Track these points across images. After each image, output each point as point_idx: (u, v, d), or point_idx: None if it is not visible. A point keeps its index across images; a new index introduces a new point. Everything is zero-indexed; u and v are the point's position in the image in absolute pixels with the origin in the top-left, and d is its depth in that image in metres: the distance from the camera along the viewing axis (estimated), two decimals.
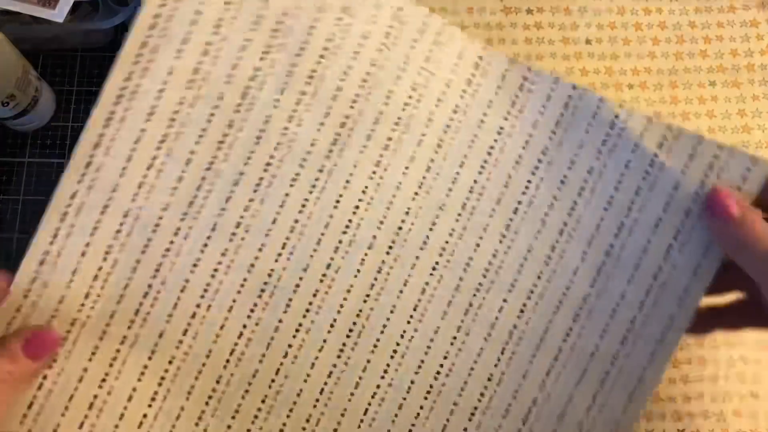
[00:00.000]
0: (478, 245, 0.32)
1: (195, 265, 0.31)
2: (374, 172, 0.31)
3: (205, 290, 0.31)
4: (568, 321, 0.32)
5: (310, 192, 0.31)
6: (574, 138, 0.31)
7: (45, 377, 0.29)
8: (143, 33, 0.30)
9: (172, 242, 0.30)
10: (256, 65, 0.30)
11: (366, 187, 0.31)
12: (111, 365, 0.30)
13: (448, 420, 0.32)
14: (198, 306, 0.31)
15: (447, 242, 0.32)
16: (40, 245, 0.30)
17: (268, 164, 0.30)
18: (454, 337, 0.32)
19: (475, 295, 0.32)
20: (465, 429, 0.32)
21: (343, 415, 0.31)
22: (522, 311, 0.32)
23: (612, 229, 0.32)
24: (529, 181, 0.32)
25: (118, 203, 0.30)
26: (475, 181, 0.32)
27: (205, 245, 0.31)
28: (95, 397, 0.29)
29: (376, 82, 0.31)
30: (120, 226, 0.30)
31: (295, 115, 0.30)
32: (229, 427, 0.31)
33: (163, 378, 0.30)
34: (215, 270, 0.31)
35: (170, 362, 0.30)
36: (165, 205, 0.30)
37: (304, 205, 0.31)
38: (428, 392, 0.32)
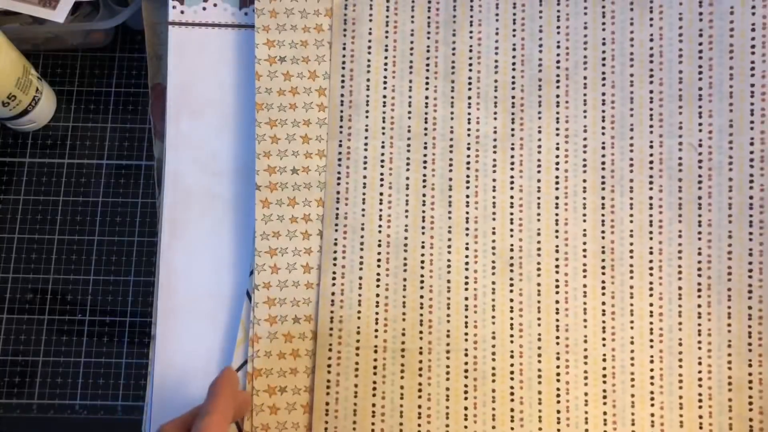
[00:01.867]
0: (680, 143, 0.35)
1: (449, 266, 0.36)
2: (557, 129, 0.36)
3: (466, 283, 0.35)
4: None
5: (512, 169, 0.36)
6: (722, 8, 0.35)
7: (374, 406, 0.34)
8: (337, 109, 0.37)
9: (423, 255, 0.36)
10: (425, 95, 0.37)
11: (557, 144, 0.36)
12: (420, 374, 0.34)
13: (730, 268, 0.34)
14: (467, 299, 0.35)
15: (651, 155, 0.35)
16: (326, 288, 0.36)
17: (468, 163, 0.36)
18: (699, 232, 0.35)
19: (700, 187, 0.35)
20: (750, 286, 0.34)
21: (631, 327, 0.34)
22: (751, 180, 0.34)
23: None
24: (700, 66, 0.35)
25: (370, 238, 0.36)
26: (651, 92, 0.35)
27: (449, 247, 0.36)
28: (419, 408, 0.34)
29: (524, 59, 0.36)
30: (378, 255, 0.36)
31: (471, 117, 0.36)
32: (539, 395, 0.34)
33: (466, 371, 0.35)
34: (466, 264, 0.36)
35: (465, 354, 0.35)
36: (405, 227, 0.36)
37: (512, 182, 0.36)
38: (699, 290, 0.34)
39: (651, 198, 0.35)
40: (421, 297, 0.35)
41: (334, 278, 0.36)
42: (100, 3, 0.47)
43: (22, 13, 0.45)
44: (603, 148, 0.35)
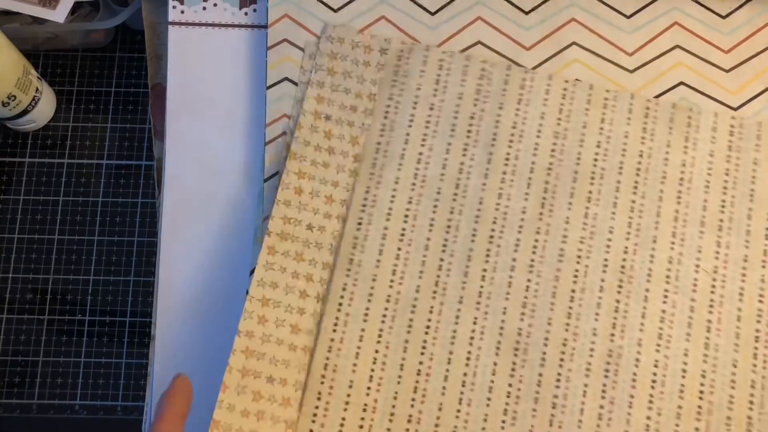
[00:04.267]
0: (697, 266, 0.36)
1: (453, 338, 0.35)
2: (585, 223, 0.36)
3: (468, 358, 0.34)
4: None
5: (534, 252, 0.35)
6: (747, 158, 0.37)
7: None
8: (372, 156, 0.36)
9: (429, 320, 0.35)
10: (461, 161, 0.36)
11: (582, 237, 0.36)
12: None
13: None
14: (465, 375, 0.34)
15: (669, 269, 0.35)
16: (326, 333, 0.34)
17: (491, 237, 0.36)
18: (705, 355, 0.35)
19: (711, 311, 0.35)
20: None
21: None
22: (759, 315, 0.35)
23: None
24: (723, 201, 0.36)
25: (380, 291, 0.35)
26: (676, 211, 0.36)
27: (457, 317, 0.35)
28: None
29: (564, 149, 0.36)
30: (385, 311, 0.35)
31: (503, 192, 0.36)
32: None
33: None
34: (471, 338, 0.35)
35: None
36: (417, 287, 0.35)
37: (531, 266, 0.35)
38: (699, 413, 0.34)
39: (663, 312, 0.35)
40: (420, 363, 0.34)
41: (336, 324, 0.34)
42: (100, 3, 0.47)
43: (22, 13, 0.45)
44: (625, 252, 0.36)
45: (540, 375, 0.34)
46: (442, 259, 0.35)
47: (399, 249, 0.35)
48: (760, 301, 0.35)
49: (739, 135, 0.37)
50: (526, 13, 0.40)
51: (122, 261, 0.46)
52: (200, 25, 0.43)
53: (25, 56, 0.45)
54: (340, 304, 0.35)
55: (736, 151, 0.37)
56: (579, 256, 0.35)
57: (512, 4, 0.40)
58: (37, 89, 0.46)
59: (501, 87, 0.37)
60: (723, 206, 0.37)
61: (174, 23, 0.42)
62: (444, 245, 0.36)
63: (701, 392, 0.34)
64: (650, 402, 0.34)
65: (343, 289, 0.35)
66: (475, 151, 0.36)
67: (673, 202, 0.36)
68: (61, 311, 0.45)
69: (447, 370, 0.34)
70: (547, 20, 0.40)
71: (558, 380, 0.34)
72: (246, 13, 0.42)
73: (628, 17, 0.40)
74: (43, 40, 0.49)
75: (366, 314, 0.35)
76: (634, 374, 0.34)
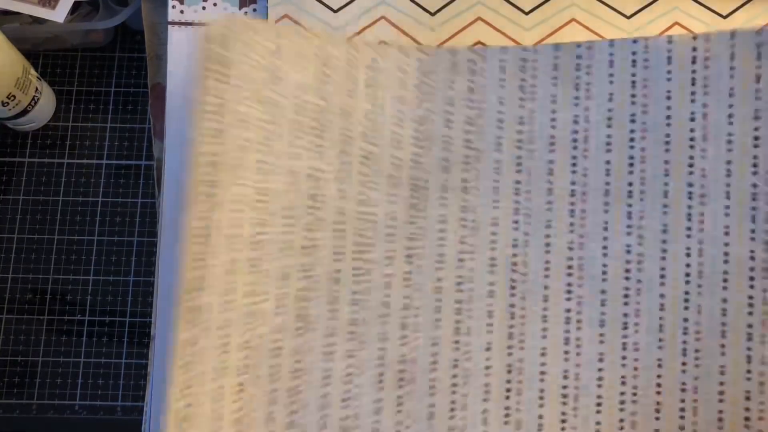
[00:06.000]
0: (605, 247, 0.29)
1: (328, 377, 0.29)
2: (464, 219, 0.29)
3: (347, 399, 0.29)
4: (744, 291, 0.28)
5: (409, 263, 0.29)
6: (658, 92, 0.29)
7: None
8: (203, 169, 0.28)
9: (297, 361, 0.29)
10: (310, 165, 0.29)
11: (462, 236, 0.29)
12: None
13: None
14: (345, 419, 0.29)
15: (570, 258, 0.29)
16: (174, 401, 0.28)
17: (360, 252, 0.29)
18: (624, 357, 0.29)
19: (626, 303, 0.29)
20: None
21: None
22: (686, 299, 0.28)
23: (747, 168, 0.28)
24: (631, 157, 0.29)
25: (235, 338, 0.28)
26: (572, 182, 0.29)
27: (330, 353, 0.29)
28: None
29: (430, 134, 0.30)
30: (245, 358, 0.28)
31: (364, 198, 0.29)
32: None
33: None
34: (348, 375, 0.29)
35: None
36: (278, 326, 0.29)
37: (408, 279, 0.29)
38: (621, 428, 0.28)
39: (568, 311, 0.29)
40: (291, 413, 0.28)
41: (189, 387, 0.27)
42: (100, 3, 0.47)
43: (22, 13, 0.45)
44: (515, 245, 0.29)
45: (431, 406, 0.29)
46: (305, 288, 0.29)
47: (252, 283, 0.28)
48: (687, 282, 0.28)
49: (644, 63, 0.29)
50: (526, 13, 0.40)
51: (122, 261, 0.46)
52: (200, 25, 0.43)
53: (24, 56, 0.45)
54: (189, 363, 0.27)
55: (642, 87, 0.29)
56: (461, 260, 0.29)
57: (512, 4, 0.40)
58: (36, 89, 0.46)
59: (346, 71, 0.30)
60: (631, 165, 0.29)
61: (174, 23, 0.42)
62: (305, 270, 0.29)
63: (622, 402, 0.28)
64: (563, 422, 0.29)
65: (192, 345, 0.28)
66: (327, 151, 0.29)
67: (567, 173, 0.29)
68: (61, 311, 0.45)
69: (323, 417, 0.28)
70: (547, 20, 0.40)
71: (452, 409, 0.29)
72: (246, 13, 0.42)
73: (629, 18, 0.40)
74: (43, 40, 0.49)
75: (223, 367, 0.28)
76: (541, 390, 0.29)
